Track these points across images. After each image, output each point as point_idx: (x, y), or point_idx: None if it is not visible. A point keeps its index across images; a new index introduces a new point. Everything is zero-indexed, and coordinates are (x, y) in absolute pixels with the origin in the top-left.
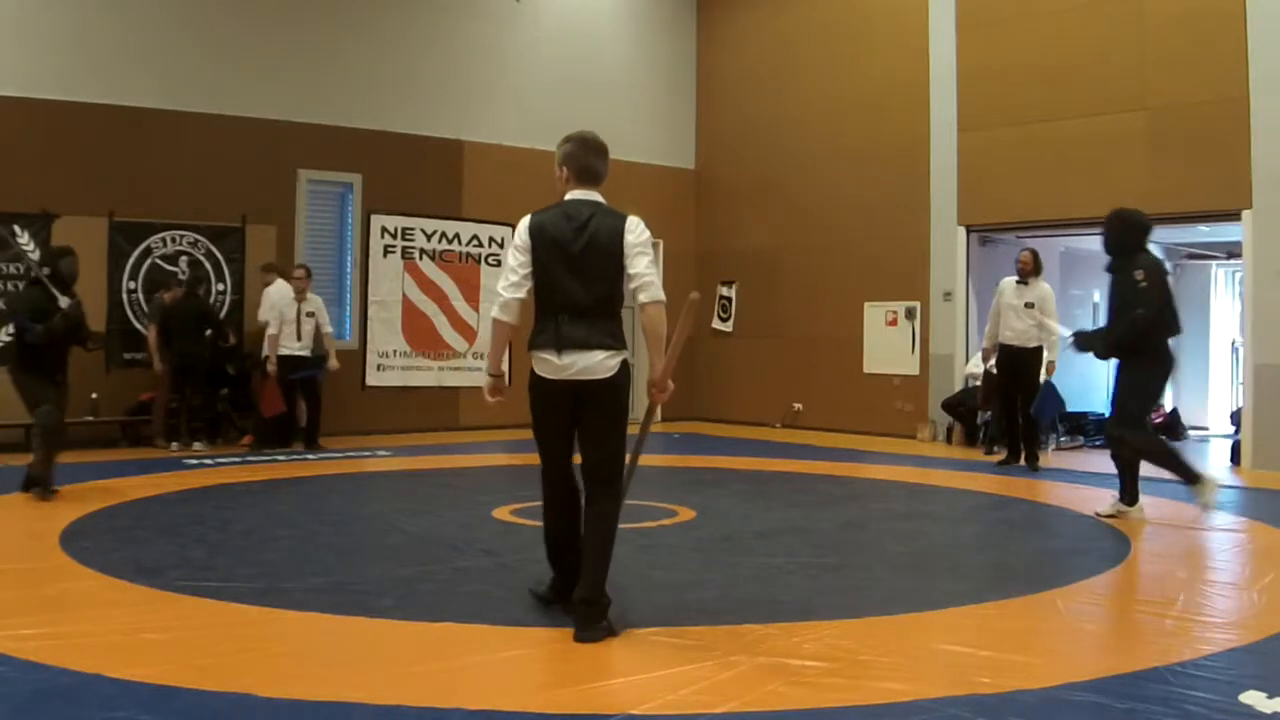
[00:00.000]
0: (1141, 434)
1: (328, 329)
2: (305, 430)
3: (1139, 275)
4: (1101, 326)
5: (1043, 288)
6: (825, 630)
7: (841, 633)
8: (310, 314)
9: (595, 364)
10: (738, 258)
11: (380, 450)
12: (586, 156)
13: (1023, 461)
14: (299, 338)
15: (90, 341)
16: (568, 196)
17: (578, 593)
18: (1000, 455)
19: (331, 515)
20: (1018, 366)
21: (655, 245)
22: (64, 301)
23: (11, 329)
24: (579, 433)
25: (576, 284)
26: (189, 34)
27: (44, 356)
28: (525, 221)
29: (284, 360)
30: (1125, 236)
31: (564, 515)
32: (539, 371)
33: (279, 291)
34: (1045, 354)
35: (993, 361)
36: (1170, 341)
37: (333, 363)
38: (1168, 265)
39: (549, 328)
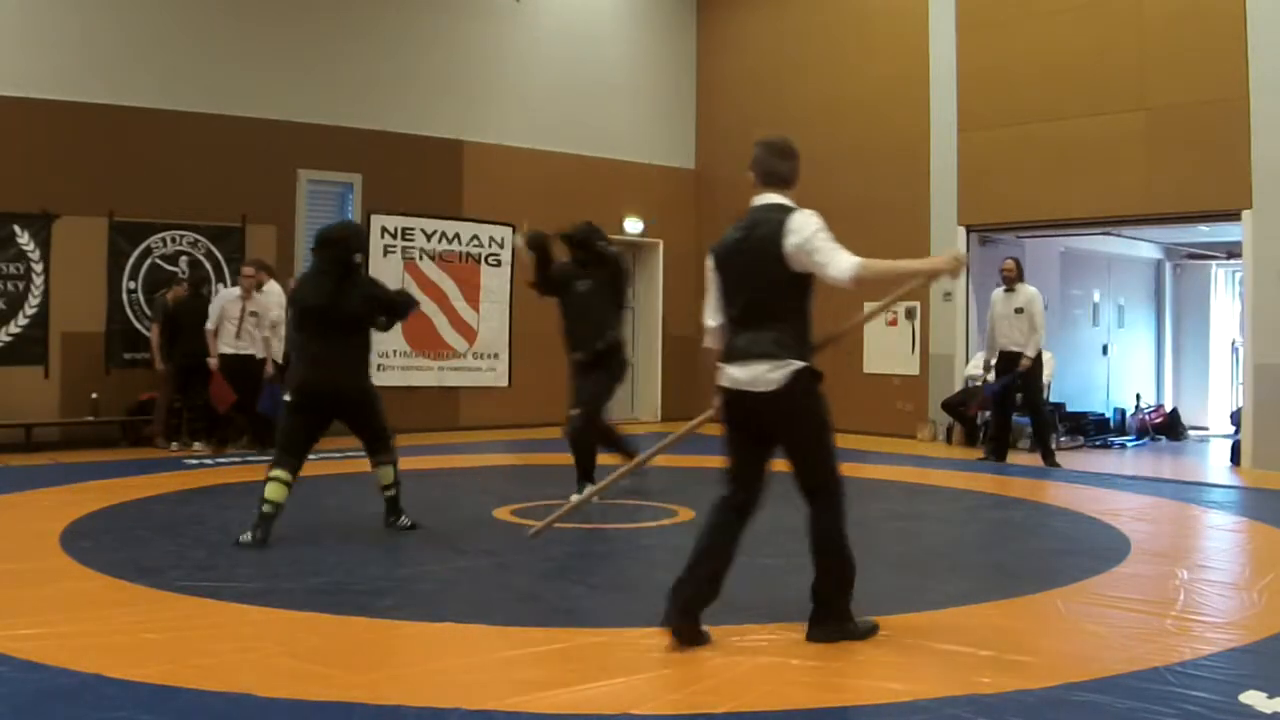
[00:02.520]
0: (603, 424)
1: (265, 332)
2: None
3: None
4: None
5: (1029, 291)
6: None
7: None
8: (253, 313)
9: (758, 375)
10: None
11: None
12: (768, 159)
13: (1040, 460)
14: (238, 335)
15: None
16: (752, 202)
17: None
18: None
19: (331, 515)
20: (1012, 369)
21: (655, 245)
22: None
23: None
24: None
25: (735, 293)
26: (189, 34)
27: None
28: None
29: (224, 359)
30: (590, 239)
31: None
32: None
33: (272, 293)
34: (1025, 351)
35: (991, 368)
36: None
37: (269, 369)
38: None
39: (727, 341)
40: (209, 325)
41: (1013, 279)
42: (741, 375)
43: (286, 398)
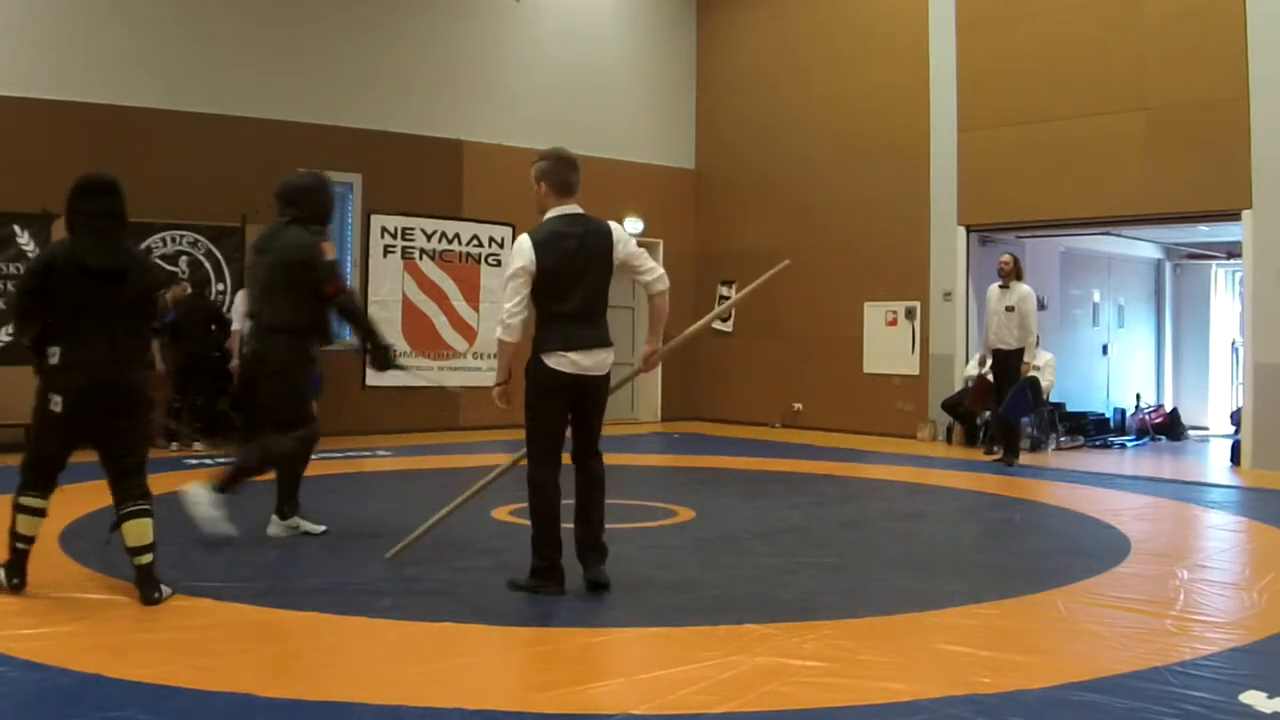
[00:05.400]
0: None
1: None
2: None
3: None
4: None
5: (1022, 290)
6: (825, 630)
7: (841, 633)
8: None
9: (602, 361)
10: (738, 258)
11: (380, 450)
12: (565, 171)
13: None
14: None
15: None
16: (553, 212)
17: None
18: (997, 455)
19: (331, 515)
20: (1003, 366)
21: (654, 245)
22: None
23: None
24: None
25: (573, 290)
26: (189, 34)
27: None
28: (526, 240)
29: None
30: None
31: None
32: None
33: None
34: (1024, 355)
35: (988, 366)
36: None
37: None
38: None
39: (554, 332)
40: (235, 325)
41: (1008, 275)
42: (588, 361)
43: (55, 406)
